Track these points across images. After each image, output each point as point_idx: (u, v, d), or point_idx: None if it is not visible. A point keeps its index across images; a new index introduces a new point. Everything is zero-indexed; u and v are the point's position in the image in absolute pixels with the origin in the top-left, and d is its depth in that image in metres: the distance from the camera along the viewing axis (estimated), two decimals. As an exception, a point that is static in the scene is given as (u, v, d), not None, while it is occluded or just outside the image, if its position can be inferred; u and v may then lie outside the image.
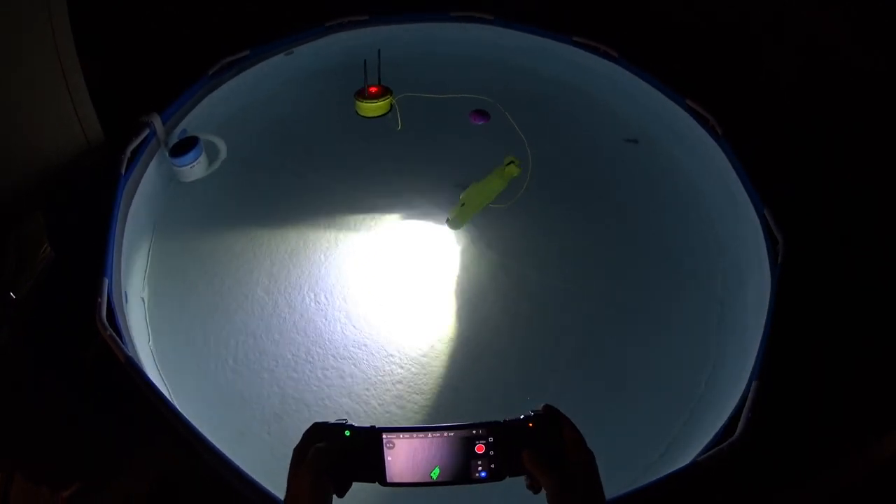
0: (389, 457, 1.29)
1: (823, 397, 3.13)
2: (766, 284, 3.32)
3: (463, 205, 4.12)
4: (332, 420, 1.32)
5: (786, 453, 2.93)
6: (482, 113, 4.78)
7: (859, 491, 2.80)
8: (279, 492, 2.38)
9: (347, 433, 1.30)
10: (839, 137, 4.16)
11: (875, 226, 3.79)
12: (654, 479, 2.52)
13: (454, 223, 4.07)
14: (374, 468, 1.29)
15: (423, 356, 3.47)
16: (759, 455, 2.78)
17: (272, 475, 2.56)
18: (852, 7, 4.19)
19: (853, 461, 2.89)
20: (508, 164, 4.35)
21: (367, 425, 1.32)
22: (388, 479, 1.29)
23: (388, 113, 4.48)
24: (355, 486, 1.31)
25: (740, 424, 2.67)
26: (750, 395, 2.78)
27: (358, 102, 4.39)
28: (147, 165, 3.80)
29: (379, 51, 4.30)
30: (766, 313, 3.15)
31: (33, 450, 2.87)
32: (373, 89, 4.39)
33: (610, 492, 1.37)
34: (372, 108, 4.40)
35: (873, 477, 2.81)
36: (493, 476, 1.30)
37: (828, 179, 3.99)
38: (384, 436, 1.30)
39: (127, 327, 3.07)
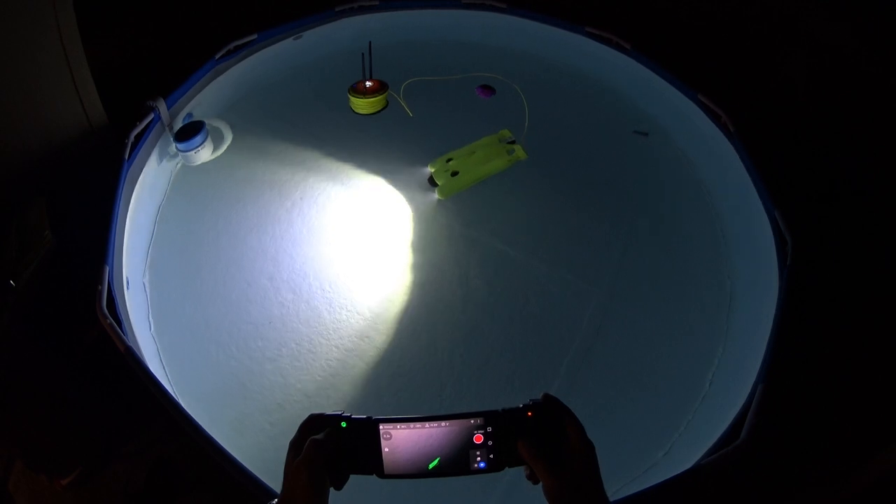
0: (387, 448, 1.27)
1: (830, 402, 3.11)
2: (775, 286, 3.29)
3: (455, 173, 4.12)
4: (329, 411, 1.30)
5: (790, 458, 2.91)
6: (488, 88, 4.84)
7: (866, 497, 2.78)
8: (279, 483, 2.37)
9: (344, 424, 1.27)
10: (848, 137, 4.13)
11: (884, 229, 3.76)
12: (658, 481, 2.49)
13: (443, 190, 4.09)
14: (371, 460, 1.26)
15: (428, 346, 3.46)
16: (763, 458, 2.76)
17: (273, 465, 2.55)
18: (860, 10, 4.16)
19: (858, 467, 2.87)
20: (510, 142, 4.35)
21: (364, 416, 1.30)
22: (386, 472, 1.27)
23: (384, 109, 4.38)
24: (353, 478, 1.28)
25: (745, 427, 2.64)
26: (755, 398, 2.75)
27: (351, 98, 4.30)
28: (151, 149, 3.78)
29: (370, 43, 4.17)
30: (773, 315, 3.11)
31: (32, 436, 2.86)
32: (368, 84, 4.29)
33: (612, 490, 1.35)
34: (363, 104, 4.30)
35: (880, 483, 2.80)
36: (492, 466, 1.27)
37: (838, 179, 3.97)
38: (381, 427, 1.27)
39: (128, 315, 3.05)
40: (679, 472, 2.53)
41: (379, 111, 4.35)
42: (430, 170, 4.25)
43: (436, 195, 4.12)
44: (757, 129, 3.95)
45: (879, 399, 3.13)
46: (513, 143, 4.33)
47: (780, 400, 2.76)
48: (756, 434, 2.60)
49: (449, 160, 4.21)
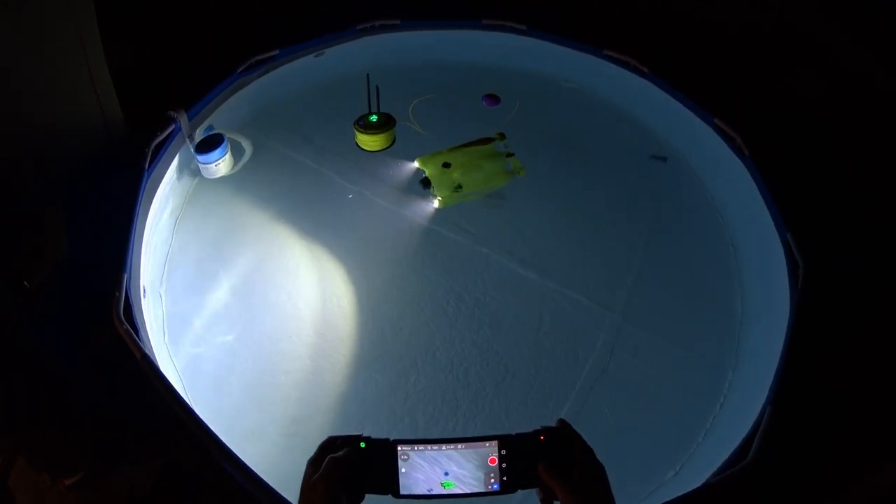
0: (403, 469, 1.30)
1: (837, 424, 3.11)
2: (786, 309, 3.30)
3: (459, 187, 4.17)
4: (347, 432, 1.33)
5: (798, 478, 2.91)
6: (493, 97, 4.92)
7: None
8: (289, 496, 2.38)
9: (363, 445, 1.31)
10: (864, 159, 4.13)
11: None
12: (666, 500, 2.50)
13: (447, 201, 4.15)
14: (387, 480, 1.30)
15: (445, 365, 3.48)
16: (771, 479, 2.76)
17: (284, 476, 2.56)
18: (875, 29, 4.16)
19: (864, 488, 2.87)
20: (509, 155, 4.42)
21: (383, 437, 1.33)
22: (402, 491, 1.30)
23: (391, 145, 4.26)
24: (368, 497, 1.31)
25: (753, 448, 2.65)
26: (764, 419, 2.75)
27: (357, 134, 4.18)
28: (171, 160, 3.83)
29: (368, 75, 4.07)
30: (783, 337, 3.12)
31: (36, 435, 2.88)
32: (374, 119, 4.15)
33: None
34: (369, 141, 4.18)
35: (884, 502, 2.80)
36: (505, 488, 1.31)
37: (852, 203, 3.96)
38: (399, 448, 1.31)
39: (144, 323, 3.07)
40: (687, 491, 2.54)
41: (386, 148, 4.25)
42: (417, 165, 4.31)
43: (435, 204, 4.16)
44: (771, 150, 3.94)
45: (888, 420, 3.12)
46: (511, 155, 4.40)
47: (789, 421, 2.76)
48: (763, 454, 2.61)
49: (445, 164, 4.26)
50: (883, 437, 3.06)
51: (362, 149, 4.25)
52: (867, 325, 3.44)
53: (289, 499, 2.34)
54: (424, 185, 4.19)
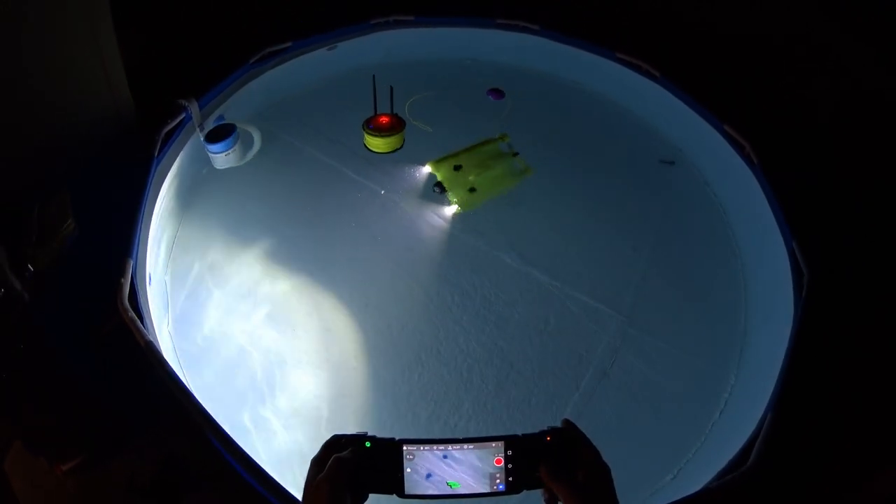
0: (408, 468, 1.29)
1: (838, 429, 3.10)
2: (789, 316, 3.29)
3: (473, 190, 4.20)
4: (349, 425, 1.33)
5: (799, 484, 2.90)
6: (499, 91, 4.96)
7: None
8: (289, 487, 2.38)
9: (368, 444, 1.29)
10: (872, 169, 4.11)
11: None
12: (665, 503, 2.50)
13: (464, 205, 4.16)
14: (392, 479, 1.29)
15: (448, 363, 3.48)
16: (771, 484, 2.75)
17: (286, 468, 2.57)
18: (885, 39, 4.15)
19: (865, 493, 2.87)
20: (514, 154, 4.47)
21: (388, 437, 1.32)
22: (407, 491, 1.29)
23: (400, 148, 4.25)
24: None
25: (753, 454, 2.64)
26: (765, 425, 2.75)
27: (366, 137, 4.16)
28: (181, 149, 3.82)
29: (374, 77, 4.01)
30: (786, 344, 3.12)
31: (36, 419, 2.88)
32: (383, 119, 4.13)
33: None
34: (379, 144, 4.16)
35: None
36: (511, 489, 1.29)
37: (858, 208, 3.94)
38: (404, 447, 1.30)
39: (149, 310, 3.07)
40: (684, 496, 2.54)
41: (395, 150, 4.24)
42: (429, 169, 4.32)
43: (454, 207, 4.17)
44: (781, 158, 3.93)
45: (888, 429, 3.11)
46: (516, 154, 4.45)
47: (790, 427, 2.76)
48: (764, 460, 2.61)
49: (457, 166, 4.28)
50: (884, 442, 3.05)
51: (371, 151, 4.24)
52: (870, 332, 3.42)
53: (289, 490, 2.34)
54: (439, 189, 4.21)
